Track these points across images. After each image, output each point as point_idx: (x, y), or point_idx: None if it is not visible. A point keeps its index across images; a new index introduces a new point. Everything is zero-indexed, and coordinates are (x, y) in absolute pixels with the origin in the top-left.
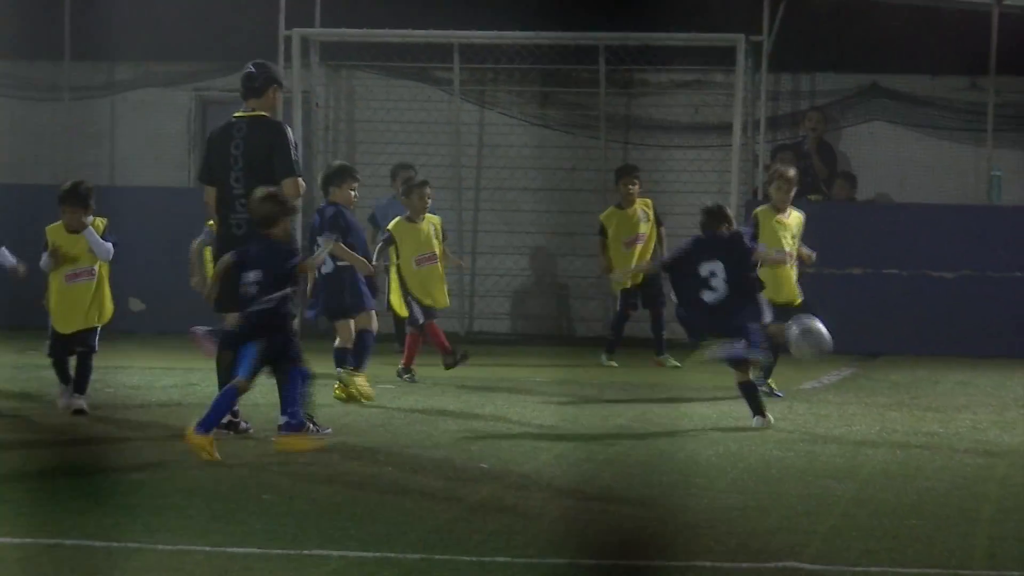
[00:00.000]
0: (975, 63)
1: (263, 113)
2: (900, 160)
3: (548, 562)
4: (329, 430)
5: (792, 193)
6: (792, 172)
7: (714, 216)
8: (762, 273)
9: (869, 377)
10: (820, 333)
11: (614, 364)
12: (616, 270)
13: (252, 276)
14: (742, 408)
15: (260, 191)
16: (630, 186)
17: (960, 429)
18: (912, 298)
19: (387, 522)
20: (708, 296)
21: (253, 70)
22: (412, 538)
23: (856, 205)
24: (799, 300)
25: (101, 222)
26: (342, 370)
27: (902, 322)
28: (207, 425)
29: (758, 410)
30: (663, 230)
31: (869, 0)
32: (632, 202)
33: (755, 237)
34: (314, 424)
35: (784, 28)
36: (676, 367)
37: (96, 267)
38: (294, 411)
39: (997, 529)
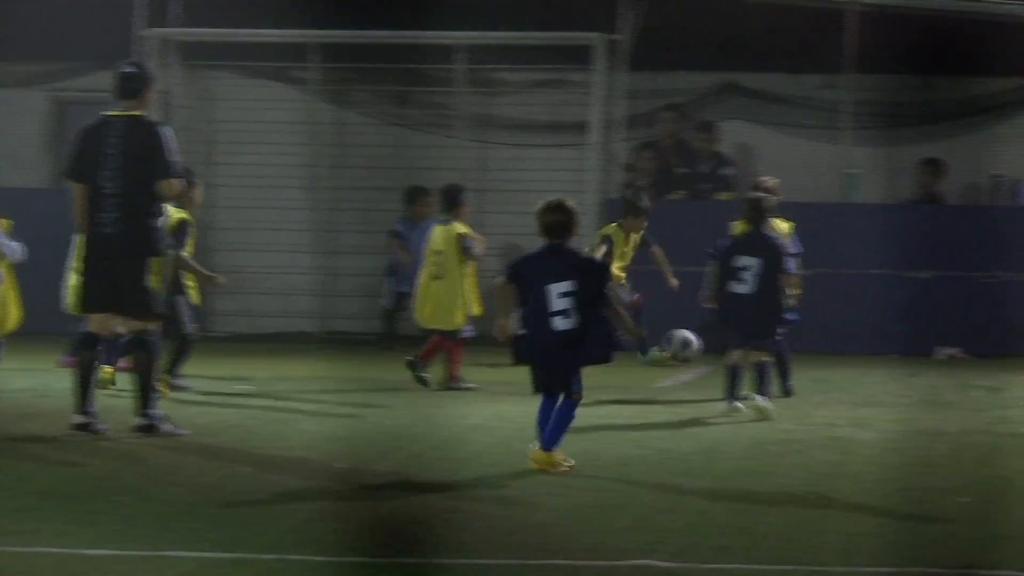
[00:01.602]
0: (831, 61)
1: (139, 113)
2: (757, 158)
3: (404, 561)
4: (185, 431)
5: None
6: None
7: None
8: None
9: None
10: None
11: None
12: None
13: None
14: (597, 407)
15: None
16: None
17: (815, 426)
18: None
19: (242, 523)
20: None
21: (131, 70)
22: (267, 539)
23: (713, 203)
24: None
25: (8, 223)
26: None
27: None
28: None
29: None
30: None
31: None
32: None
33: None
34: (171, 425)
35: (642, 27)
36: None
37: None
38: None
39: (851, 526)
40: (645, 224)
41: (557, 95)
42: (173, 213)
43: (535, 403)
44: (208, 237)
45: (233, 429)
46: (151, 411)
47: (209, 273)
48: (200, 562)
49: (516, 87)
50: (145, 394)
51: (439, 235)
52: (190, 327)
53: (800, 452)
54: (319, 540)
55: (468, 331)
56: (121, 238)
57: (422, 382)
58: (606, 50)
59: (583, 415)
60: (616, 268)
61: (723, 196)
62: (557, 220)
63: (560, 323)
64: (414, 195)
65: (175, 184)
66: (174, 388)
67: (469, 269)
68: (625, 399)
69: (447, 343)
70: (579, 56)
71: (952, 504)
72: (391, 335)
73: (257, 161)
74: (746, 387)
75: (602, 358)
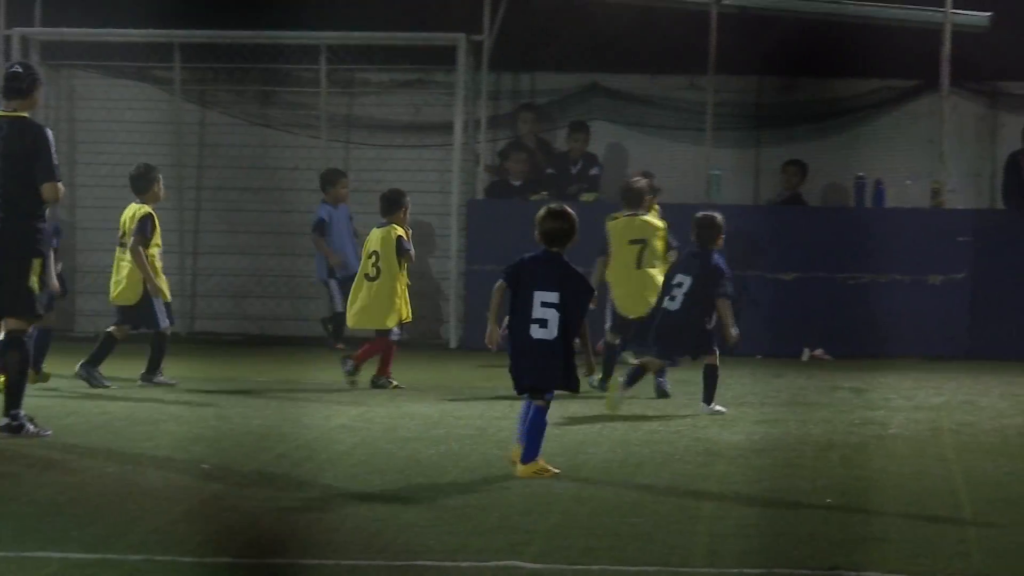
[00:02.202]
0: (693, 62)
1: (24, 114)
2: (621, 159)
3: (271, 562)
4: (49, 431)
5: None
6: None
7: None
8: None
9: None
10: None
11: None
12: None
13: None
14: (463, 408)
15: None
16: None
17: (681, 427)
18: None
19: (109, 523)
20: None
21: (20, 70)
22: (133, 539)
23: (578, 204)
24: None
25: None
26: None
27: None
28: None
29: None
30: None
31: (589, 0)
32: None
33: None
34: (34, 425)
35: (504, 27)
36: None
37: None
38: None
39: (717, 526)
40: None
41: (420, 96)
42: (136, 208)
43: (403, 404)
44: (72, 237)
45: (99, 430)
46: (17, 411)
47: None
48: (66, 563)
49: (379, 87)
50: (13, 394)
51: (376, 237)
52: (164, 324)
53: (666, 453)
54: (186, 541)
55: (395, 334)
56: (1, 237)
57: (353, 383)
58: (469, 51)
59: (447, 415)
60: None
61: (585, 197)
62: (558, 227)
63: (537, 331)
64: (332, 177)
65: (57, 187)
66: (157, 384)
67: (404, 272)
68: (491, 400)
69: (379, 343)
70: (442, 57)
71: (817, 505)
72: (336, 336)
73: (120, 161)
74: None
75: (570, 386)
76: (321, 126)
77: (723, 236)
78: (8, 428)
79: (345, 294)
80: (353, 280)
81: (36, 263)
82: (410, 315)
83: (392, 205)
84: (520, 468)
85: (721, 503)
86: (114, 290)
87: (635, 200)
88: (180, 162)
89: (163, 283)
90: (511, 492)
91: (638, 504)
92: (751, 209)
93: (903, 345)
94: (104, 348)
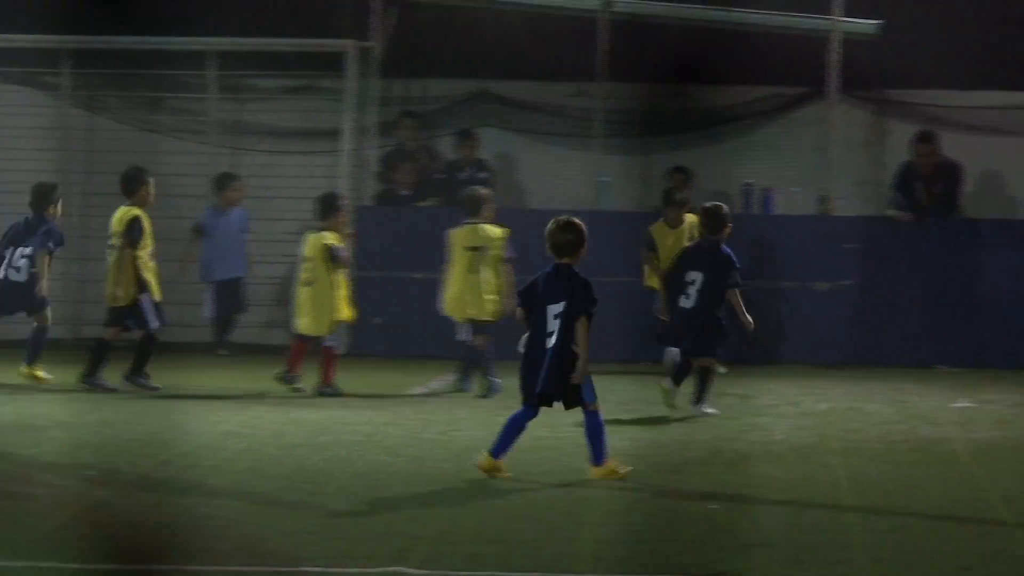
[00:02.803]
0: (583, 69)
1: None
2: (510, 165)
3: (156, 568)
4: None
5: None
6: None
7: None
8: None
9: (476, 382)
10: None
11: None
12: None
13: None
14: (351, 414)
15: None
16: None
17: (566, 433)
18: None
19: None
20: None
21: None
22: (17, 545)
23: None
24: None
25: None
26: None
27: (509, 327)
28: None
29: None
30: None
31: (479, 6)
32: (680, 222)
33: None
34: None
35: (394, 34)
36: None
37: None
38: None
39: (602, 532)
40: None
41: (309, 102)
42: (125, 211)
43: (290, 410)
44: None
45: None
46: None
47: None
48: None
49: (268, 94)
50: None
51: (310, 243)
52: (155, 325)
53: (552, 459)
54: (71, 547)
55: (332, 339)
56: None
57: (297, 390)
58: (358, 57)
59: (336, 421)
60: None
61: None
62: (567, 239)
63: (551, 343)
64: (223, 181)
65: None
66: (142, 387)
67: (339, 278)
68: (378, 406)
69: (303, 347)
70: (332, 63)
71: (703, 511)
72: (222, 341)
73: (6, 167)
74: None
75: (568, 402)
76: (210, 132)
77: (731, 226)
78: None
79: (222, 298)
80: (232, 284)
81: None
82: (353, 316)
83: (326, 209)
84: (592, 471)
85: (607, 509)
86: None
87: (474, 208)
88: (67, 168)
89: (155, 283)
90: (398, 498)
91: (524, 510)
92: (639, 216)
93: (790, 352)
94: (99, 353)
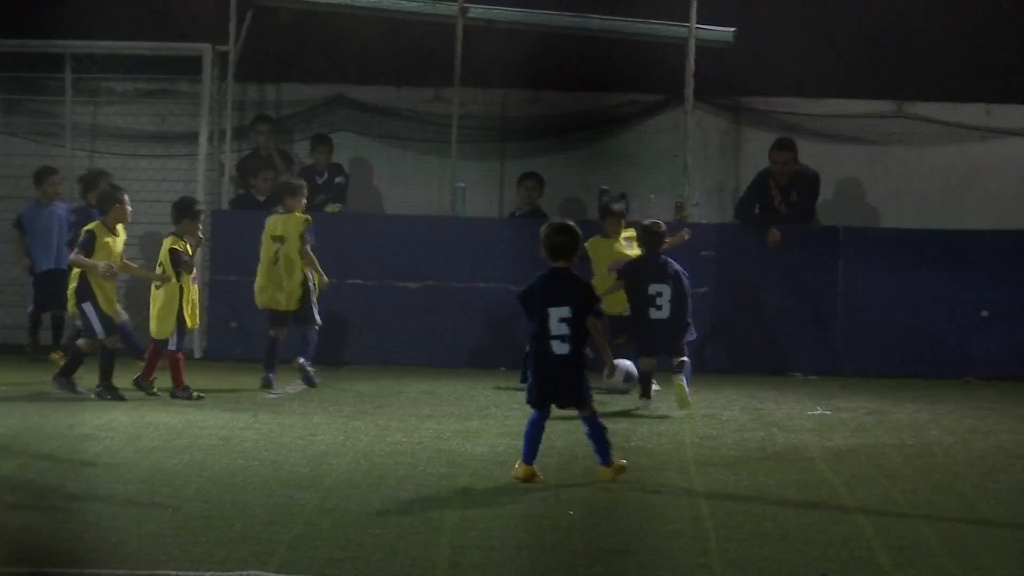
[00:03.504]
0: (440, 75)
1: None
2: (366, 170)
3: (11, 571)
4: None
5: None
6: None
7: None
8: None
9: (333, 387)
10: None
11: None
12: None
13: None
14: (207, 417)
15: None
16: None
17: (424, 438)
18: (376, 308)
19: None
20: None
21: None
22: None
23: (324, 215)
24: None
25: None
26: None
27: (366, 332)
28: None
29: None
30: None
31: (335, 11)
32: (617, 232)
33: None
34: None
35: (250, 38)
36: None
37: None
38: None
39: (459, 538)
40: None
41: (166, 105)
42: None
43: (147, 413)
44: None
45: None
46: None
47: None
48: None
49: (125, 97)
50: None
51: (163, 246)
52: (102, 334)
53: (409, 464)
54: None
55: (172, 343)
56: None
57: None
58: (215, 61)
59: (191, 425)
60: None
61: (331, 207)
62: (562, 241)
63: (557, 347)
64: (41, 175)
65: None
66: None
67: (185, 283)
68: (235, 409)
69: (158, 352)
70: (188, 67)
71: (560, 517)
72: (34, 343)
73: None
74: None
75: (582, 403)
76: (66, 135)
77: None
78: None
79: (39, 291)
80: (52, 277)
81: None
82: (195, 323)
83: (179, 213)
84: (602, 472)
85: (464, 515)
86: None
87: (283, 199)
88: None
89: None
90: (255, 503)
91: (381, 515)
92: (495, 222)
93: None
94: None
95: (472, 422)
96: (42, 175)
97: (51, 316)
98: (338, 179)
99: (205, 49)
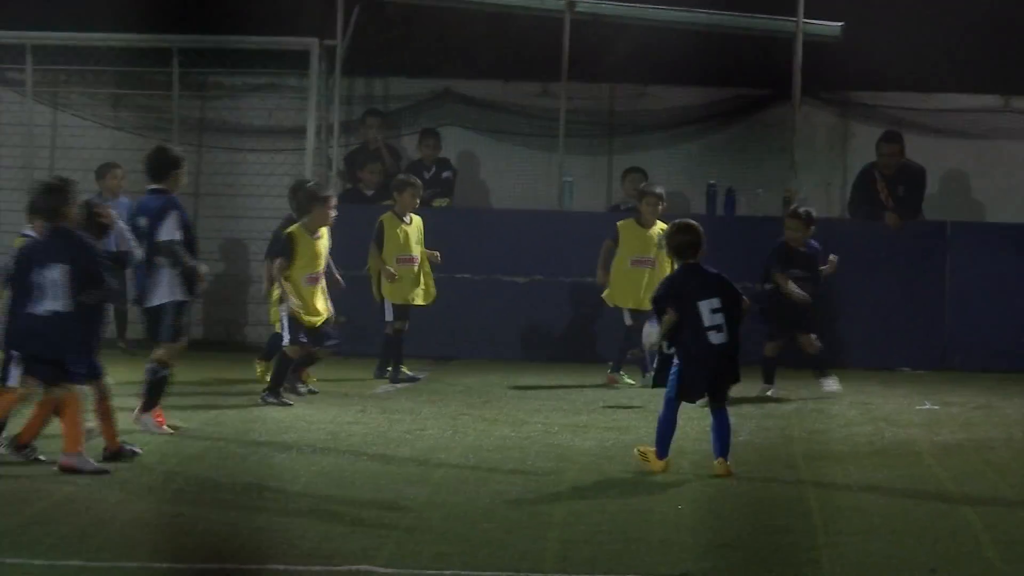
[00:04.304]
0: (546, 69)
1: None
2: (473, 165)
3: (121, 566)
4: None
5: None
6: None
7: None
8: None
9: (441, 381)
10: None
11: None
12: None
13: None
14: (317, 412)
15: None
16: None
17: (532, 433)
18: (485, 302)
19: None
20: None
21: None
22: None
23: (432, 209)
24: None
25: None
26: None
27: (474, 327)
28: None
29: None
30: None
31: (442, 6)
32: (652, 222)
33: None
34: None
35: (358, 33)
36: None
37: None
38: None
39: (568, 532)
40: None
41: (273, 100)
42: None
43: (254, 409)
44: None
45: None
46: None
47: None
48: None
49: (232, 91)
50: None
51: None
52: (287, 340)
53: (518, 459)
54: (36, 543)
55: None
56: None
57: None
58: (322, 56)
59: (299, 419)
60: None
61: (438, 202)
62: (688, 240)
63: (715, 337)
64: (102, 170)
65: None
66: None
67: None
68: (342, 404)
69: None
70: (295, 61)
71: (669, 511)
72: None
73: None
74: None
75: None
76: (173, 129)
77: None
78: None
79: None
80: None
81: None
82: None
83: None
84: (720, 464)
85: (572, 509)
86: None
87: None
88: (31, 164)
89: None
90: (364, 497)
91: (490, 510)
92: (602, 216)
93: (755, 353)
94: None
95: (580, 416)
96: (104, 170)
97: (114, 310)
98: (445, 174)
99: (312, 43)
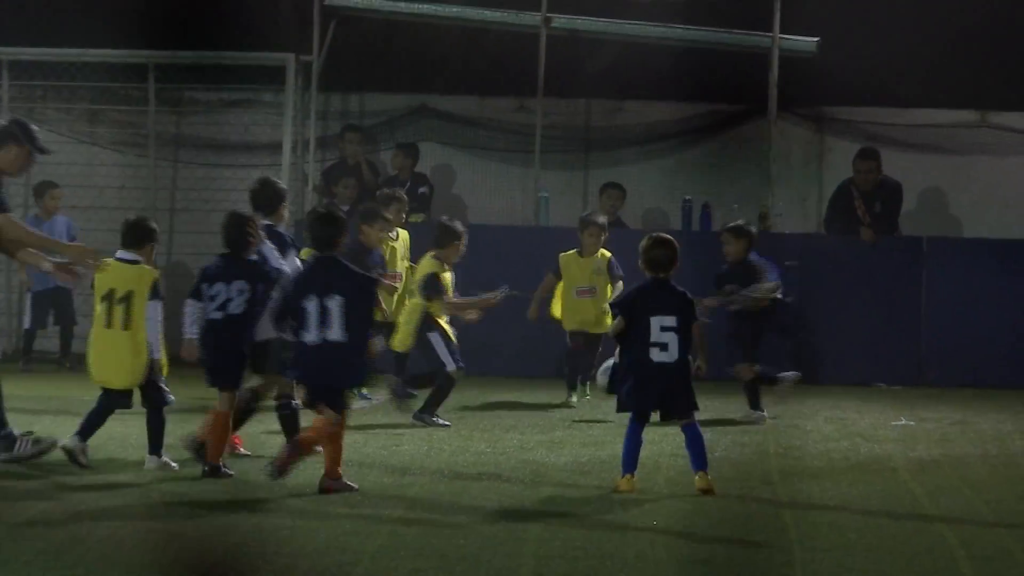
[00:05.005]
0: (522, 85)
1: None
2: (449, 180)
3: None
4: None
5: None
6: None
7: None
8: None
9: (418, 397)
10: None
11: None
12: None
13: None
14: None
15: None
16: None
17: (508, 449)
18: (457, 318)
19: None
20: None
21: None
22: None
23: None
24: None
25: None
26: None
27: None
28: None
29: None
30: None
31: (418, 21)
32: (593, 252)
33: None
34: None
35: (334, 48)
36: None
37: None
38: None
39: (543, 548)
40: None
41: (249, 115)
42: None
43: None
44: None
45: None
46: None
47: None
48: None
49: (208, 107)
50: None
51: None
52: (451, 364)
53: (493, 475)
54: (11, 560)
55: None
56: None
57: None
58: (298, 71)
59: (271, 439)
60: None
61: (414, 218)
62: (663, 254)
63: (657, 355)
64: (40, 189)
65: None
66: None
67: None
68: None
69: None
70: (271, 76)
71: (644, 527)
72: (28, 355)
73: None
74: None
75: (693, 408)
76: (149, 145)
77: None
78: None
79: (36, 310)
80: (57, 295)
81: None
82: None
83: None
84: (701, 478)
85: (548, 525)
86: None
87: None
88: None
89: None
90: (339, 513)
91: (465, 526)
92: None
93: (729, 369)
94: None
95: (556, 432)
96: (42, 188)
97: (60, 330)
98: (422, 190)
99: (289, 59)
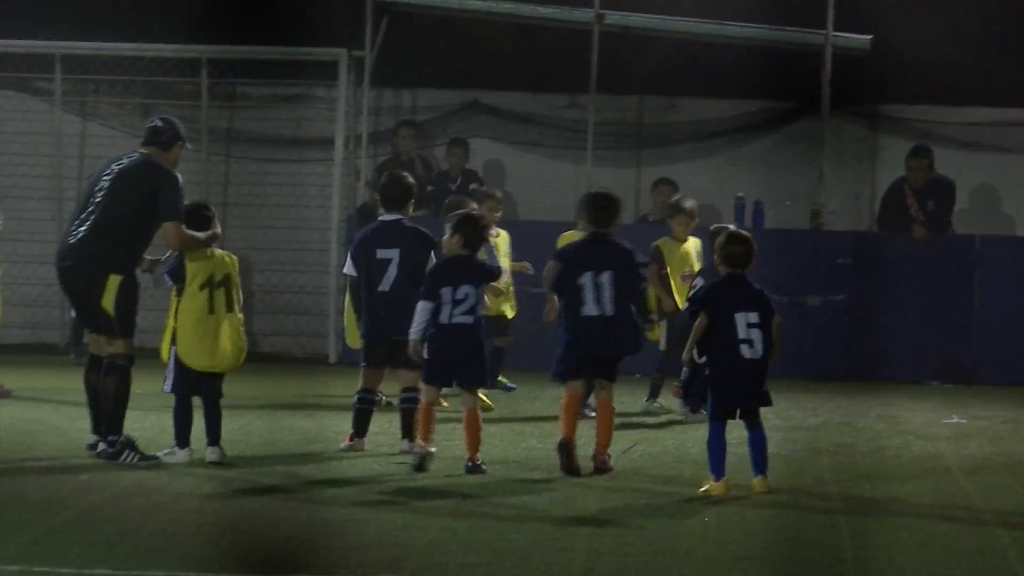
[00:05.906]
0: (575, 81)
1: (148, 152)
2: (500, 176)
3: (147, 574)
4: (157, 457)
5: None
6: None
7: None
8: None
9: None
10: None
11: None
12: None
13: None
14: (344, 422)
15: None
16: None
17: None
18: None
19: None
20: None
21: (160, 124)
22: (11, 550)
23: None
24: None
25: None
26: None
27: None
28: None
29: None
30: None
31: (470, 17)
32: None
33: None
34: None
35: (386, 43)
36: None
37: None
38: None
39: (595, 543)
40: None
41: (302, 110)
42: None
43: (282, 418)
44: None
45: None
46: (117, 437)
47: None
48: None
49: (260, 101)
50: (112, 420)
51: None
52: None
53: (544, 469)
54: (64, 551)
55: None
56: (80, 252)
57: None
58: (351, 66)
59: (327, 430)
60: None
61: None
62: (742, 251)
63: (748, 352)
64: None
65: (179, 228)
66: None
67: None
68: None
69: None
70: (324, 72)
71: (695, 524)
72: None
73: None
74: None
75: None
76: (202, 139)
77: None
78: (107, 454)
79: None
80: None
81: (111, 281)
82: None
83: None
84: (759, 482)
85: (599, 520)
86: None
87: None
88: (60, 173)
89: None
90: (390, 507)
91: (516, 520)
92: (632, 228)
93: (781, 366)
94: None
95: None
96: None
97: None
98: (472, 186)
99: (341, 54)
